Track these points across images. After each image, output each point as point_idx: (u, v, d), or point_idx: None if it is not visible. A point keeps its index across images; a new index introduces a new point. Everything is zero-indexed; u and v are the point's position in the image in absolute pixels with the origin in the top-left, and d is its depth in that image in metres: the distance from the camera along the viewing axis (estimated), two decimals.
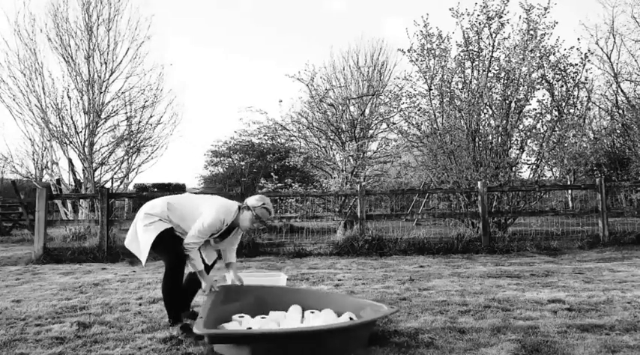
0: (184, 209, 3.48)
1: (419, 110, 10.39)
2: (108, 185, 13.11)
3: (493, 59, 10.00)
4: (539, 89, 9.99)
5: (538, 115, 9.87)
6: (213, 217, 3.39)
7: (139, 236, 3.44)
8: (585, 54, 9.83)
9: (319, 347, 2.86)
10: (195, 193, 3.60)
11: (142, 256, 3.44)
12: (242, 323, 3.29)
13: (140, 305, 4.23)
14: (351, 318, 3.27)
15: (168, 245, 3.39)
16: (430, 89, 10.24)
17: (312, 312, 3.47)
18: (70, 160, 12.97)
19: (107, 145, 13.17)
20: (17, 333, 3.36)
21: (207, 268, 3.70)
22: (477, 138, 9.95)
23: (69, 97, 12.58)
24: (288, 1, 49.03)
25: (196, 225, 3.38)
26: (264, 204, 3.54)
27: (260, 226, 3.66)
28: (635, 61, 18.68)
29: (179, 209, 3.47)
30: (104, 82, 12.97)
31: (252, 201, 3.57)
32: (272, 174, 12.66)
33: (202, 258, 3.59)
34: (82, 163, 12.71)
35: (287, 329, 3.06)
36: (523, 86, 9.72)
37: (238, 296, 3.66)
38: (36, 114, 12.43)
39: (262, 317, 3.38)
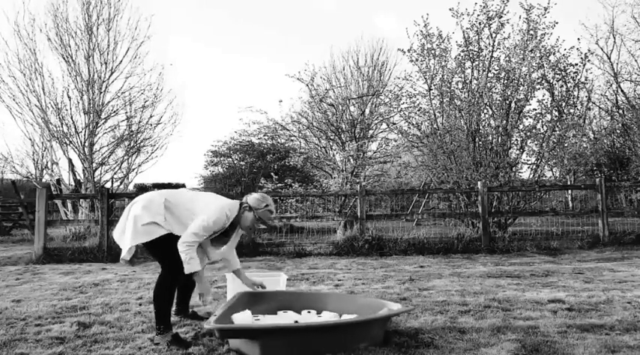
0: (181, 207, 3.25)
1: (419, 110, 10.39)
2: (108, 185, 13.12)
3: (493, 59, 10.00)
4: (539, 89, 9.99)
5: (538, 115, 9.87)
6: (218, 212, 3.18)
7: (127, 232, 3.18)
8: (585, 54, 9.83)
9: (330, 341, 2.86)
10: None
11: (124, 250, 3.20)
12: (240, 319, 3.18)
13: (140, 305, 4.23)
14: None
15: (168, 248, 3.16)
16: (430, 89, 10.24)
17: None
18: (70, 160, 12.97)
19: (107, 145, 13.18)
20: (17, 333, 3.36)
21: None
22: (477, 139, 9.95)
23: (69, 97, 12.59)
24: (284, 1, 49.07)
25: (198, 221, 3.14)
26: (267, 205, 3.33)
27: (261, 226, 3.49)
28: (635, 61, 18.69)
29: (176, 206, 3.24)
30: (104, 82, 12.97)
31: (253, 201, 3.34)
32: (272, 174, 12.67)
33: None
34: (82, 163, 12.72)
35: (297, 324, 3.10)
36: (523, 86, 9.72)
37: (258, 301, 3.55)
38: (36, 114, 12.44)
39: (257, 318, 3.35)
